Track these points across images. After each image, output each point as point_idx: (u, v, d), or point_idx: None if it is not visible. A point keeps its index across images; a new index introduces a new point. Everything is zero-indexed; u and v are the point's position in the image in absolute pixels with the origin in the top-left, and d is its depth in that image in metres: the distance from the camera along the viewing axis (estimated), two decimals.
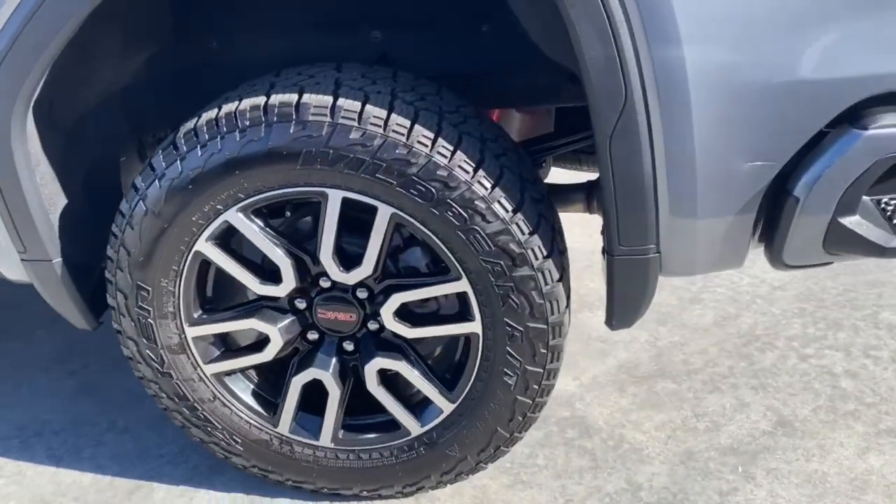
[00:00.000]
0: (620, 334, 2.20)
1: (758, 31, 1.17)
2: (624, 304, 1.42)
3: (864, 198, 1.28)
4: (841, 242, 1.31)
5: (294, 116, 1.26)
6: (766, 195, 1.29)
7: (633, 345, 2.17)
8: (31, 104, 1.32)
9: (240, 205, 1.35)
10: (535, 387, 1.46)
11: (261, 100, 1.29)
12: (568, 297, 1.44)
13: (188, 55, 1.63)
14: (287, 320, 1.49)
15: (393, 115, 1.27)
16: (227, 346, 1.55)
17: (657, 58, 1.15)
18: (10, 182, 1.36)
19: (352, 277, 1.41)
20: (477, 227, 1.30)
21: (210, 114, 1.32)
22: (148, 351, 1.50)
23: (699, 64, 1.16)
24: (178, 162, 1.32)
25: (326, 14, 1.59)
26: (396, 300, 1.42)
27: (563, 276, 1.40)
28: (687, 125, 1.20)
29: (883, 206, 1.30)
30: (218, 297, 1.53)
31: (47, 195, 1.42)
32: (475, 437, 1.52)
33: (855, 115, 1.22)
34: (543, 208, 1.37)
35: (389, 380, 1.53)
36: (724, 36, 1.17)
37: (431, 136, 1.27)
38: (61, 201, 1.46)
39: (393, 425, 1.56)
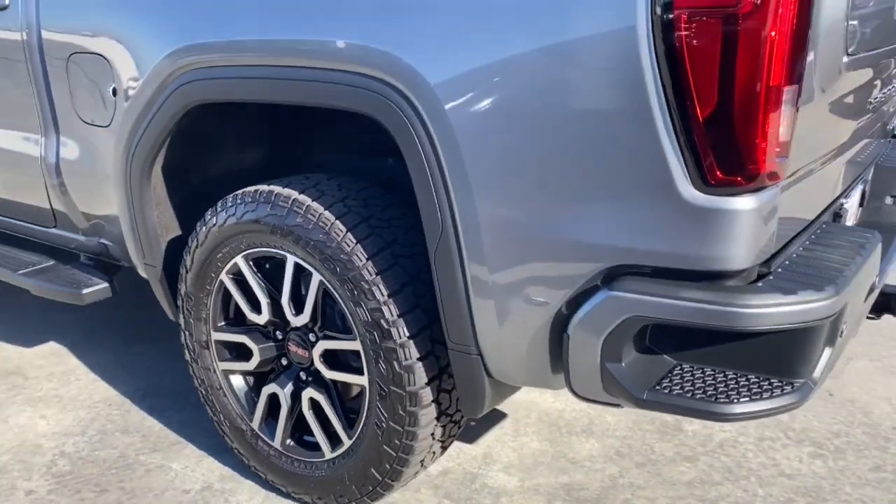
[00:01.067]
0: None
1: (532, 194, 1.51)
2: (463, 393, 1.76)
3: (632, 350, 1.50)
4: (610, 387, 1.52)
5: (271, 200, 1.90)
6: (553, 328, 1.56)
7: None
8: (159, 167, 2.14)
9: (243, 253, 2.01)
10: (397, 442, 1.84)
11: (263, 187, 1.95)
12: (434, 376, 1.81)
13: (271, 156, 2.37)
14: (266, 344, 2.09)
15: (325, 211, 1.83)
16: (236, 353, 2.19)
17: (459, 206, 1.56)
18: (141, 216, 2.19)
19: (298, 321, 1.97)
20: (362, 302, 1.78)
21: (241, 191, 2.02)
22: (188, 341, 2.21)
23: (487, 215, 1.54)
24: (218, 216, 2.03)
25: (360, 144, 2.22)
26: (321, 346, 1.94)
27: (426, 357, 1.78)
28: (482, 259, 1.57)
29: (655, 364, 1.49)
30: (236, 315, 2.18)
31: (163, 225, 2.23)
32: (358, 472, 1.94)
33: (611, 276, 1.46)
34: (423, 302, 1.79)
35: (321, 409, 2.03)
36: (506, 195, 1.53)
37: (344, 229, 1.80)
38: (173, 230, 2.26)
39: (317, 446, 2.04)
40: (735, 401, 1.46)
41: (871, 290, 1.82)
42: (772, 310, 1.39)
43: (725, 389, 1.49)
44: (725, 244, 1.37)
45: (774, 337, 1.48)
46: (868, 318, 2.22)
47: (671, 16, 1.29)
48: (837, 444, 2.51)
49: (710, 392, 1.48)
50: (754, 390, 1.48)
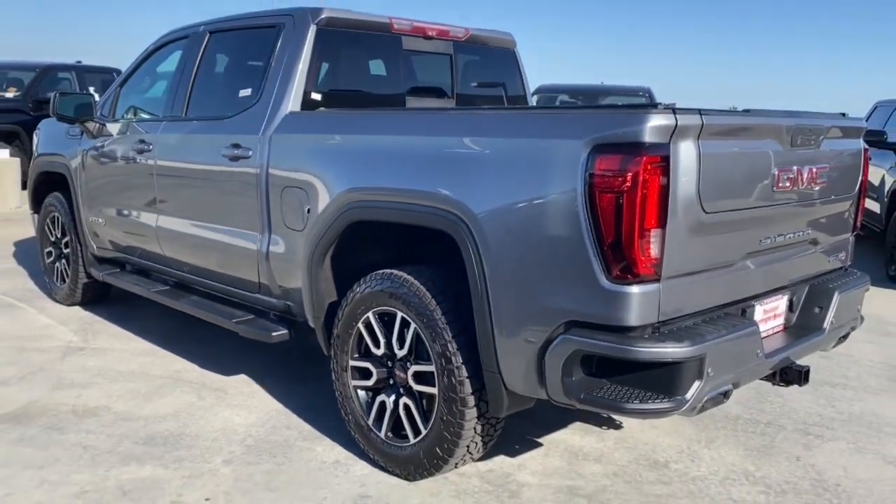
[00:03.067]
0: None
1: (526, 280, 2.72)
2: (491, 398, 2.93)
3: (580, 372, 2.63)
4: (566, 393, 2.64)
5: (390, 278, 3.20)
6: (538, 357, 2.71)
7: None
8: (329, 257, 3.52)
9: (372, 310, 3.32)
10: (452, 429, 3.03)
11: (386, 270, 3.26)
12: (476, 389, 2.98)
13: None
14: (381, 368, 3.35)
15: (420, 286, 3.10)
16: (362, 374, 3.46)
17: (490, 286, 2.79)
18: (316, 287, 3.57)
19: (401, 353, 3.23)
20: (437, 340, 3.02)
21: (374, 272, 3.33)
22: (335, 367, 3.52)
23: (503, 291, 2.76)
24: (361, 287, 3.35)
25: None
26: (413, 369, 3.19)
27: (471, 376, 2.97)
28: (500, 316, 2.78)
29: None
30: (365, 350, 3.46)
31: (328, 293, 3.59)
32: (429, 451, 3.13)
33: (568, 327, 2.62)
34: (471, 341, 2.98)
35: (410, 411, 3.25)
36: (513, 280, 2.74)
37: (430, 296, 3.06)
38: (332, 296, 3.62)
39: (406, 435, 3.25)
40: (632, 402, 2.55)
41: (760, 357, 2.85)
42: (648, 349, 2.50)
43: (629, 397, 2.59)
44: (623, 311, 2.52)
45: (660, 368, 2.57)
46: (778, 385, 3.19)
47: (589, 185, 2.51)
48: (783, 488, 3.39)
49: (619, 398, 2.59)
50: (645, 399, 2.57)
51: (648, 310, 2.55)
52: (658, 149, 2.47)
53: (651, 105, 2.52)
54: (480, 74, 4.79)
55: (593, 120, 2.61)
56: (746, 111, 2.83)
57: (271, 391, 4.31)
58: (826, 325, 3.31)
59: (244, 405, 4.11)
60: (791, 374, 3.17)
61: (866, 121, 10.40)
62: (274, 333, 3.90)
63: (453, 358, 2.98)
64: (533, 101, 10.96)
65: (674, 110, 2.48)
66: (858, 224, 3.68)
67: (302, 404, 4.11)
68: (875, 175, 8.96)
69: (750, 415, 4.18)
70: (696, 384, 2.60)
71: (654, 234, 2.51)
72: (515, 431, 3.72)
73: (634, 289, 2.52)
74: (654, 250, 2.51)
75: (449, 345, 2.99)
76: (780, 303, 3.26)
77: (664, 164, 2.48)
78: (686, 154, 2.53)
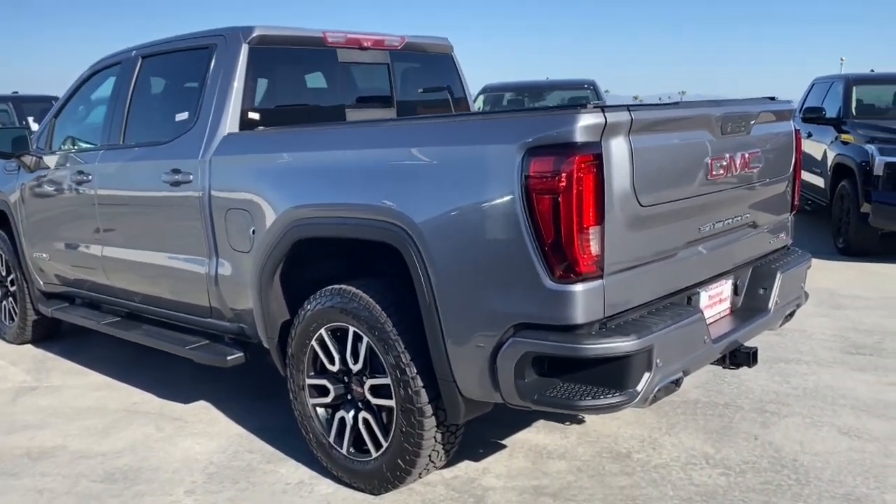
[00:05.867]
0: None
1: (474, 286, 2.73)
2: (447, 406, 2.94)
3: (533, 373, 2.65)
4: (520, 396, 2.66)
5: (341, 293, 3.19)
6: (490, 362, 2.72)
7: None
8: (278, 276, 3.49)
9: (325, 327, 3.30)
10: (412, 440, 3.02)
11: (336, 286, 3.25)
12: (433, 398, 2.98)
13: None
14: (338, 385, 3.33)
15: (370, 299, 3.09)
16: (320, 392, 3.44)
17: (437, 293, 2.80)
18: (267, 308, 3.55)
19: (356, 368, 3.22)
20: (390, 352, 3.01)
21: (323, 289, 3.32)
22: (292, 386, 3.49)
23: (451, 297, 2.77)
24: (312, 304, 3.33)
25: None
26: (369, 383, 3.18)
27: (427, 385, 2.97)
28: (450, 323, 2.78)
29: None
30: (321, 367, 3.44)
31: (279, 313, 3.56)
32: (391, 463, 3.12)
33: (517, 329, 2.63)
34: (424, 350, 2.98)
35: (370, 425, 3.24)
36: (461, 285, 2.76)
37: (380, 309, 3.06)
38: (285, 315, 3.59)
39: (368, 450, 3.24)
40: (585, 399, 2.58)
41: (707, 343, 2.90)
42: (596, 346, 2.53)
43: (582, 394, 2.61)
44: (569, 310, 2.55)
45: (610, 363, 2.60)
46: (729, 368, 3.26)
47: (526, 187, 2.53)
48: (743, 468, 3.46)
49: (571, 395, 2.61)
50: (598, 394, 2.60)
51: (593, 307, 2.58)
52: (590, 147, 2.50)
53: (580, 105, 2.54)
54: (419, 81, 4.80)
55: (526, 123, 2.63)
56: (675, 104, 2.88)
57: (233, 415, 4.26)
58: (771, 305, 3.39)
59: (205, 432, 4.06)
60: (740, 357, 3.24)
61: (805, 98, 10.71)
62: (229, 357, 3.85)
63: (407, 369, 2.98)
64: (480, 100, 11.04)
65: (602, 108, 2.51)
66: (796, 203, 3.77)
67: (264, 425, 4.07)
68: (817, 150, 9.21)
69: (708, 398, 4.25)
70: (646, 376, 2.64)
71: (593, 232, 2.53)
72: (479, 435, 3.73)
73: (578, 287, 2.54)
74: (594, 248, 2.54)
75: (402, 356, 2.99)
76: (725, 287, 3.32)
77: (597, 161, 2.51)
78: (618, 150, 2.56)
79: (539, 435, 3.82)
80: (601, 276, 2.59)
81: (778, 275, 3.42)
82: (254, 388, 4.64)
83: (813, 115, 9.20)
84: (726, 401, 4.21)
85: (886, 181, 7.52)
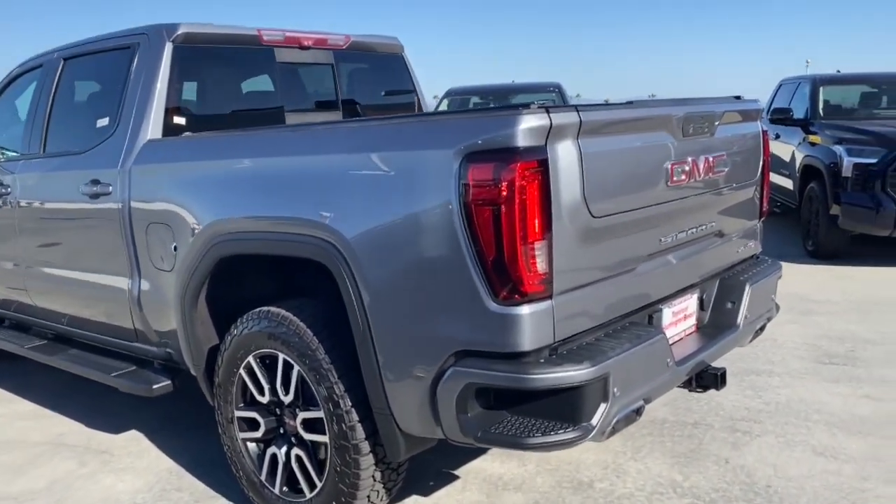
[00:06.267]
0: None
1: (408, 309, 2.43)
2: (386, 443, 2.63)
3: (477, 406, 2.36)
4: (463, 432, 2.36)
5: (268, 317, 2.88)
6: (430, 394, 2.43)
7: None
8: (203, 297, 3.16)
9: (253, 353, 2.98)
10: (348, 481, 2.71)
11: (264, 308, 2.93)
12: (370, 433, 2.68)
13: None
14: (269, 418, 3.02)
15: (300, 322, 2.78)
16: (251, 425, 3.12)
17: (370, 316, 2.50)
18: (192, 331, 3.21)
19: (287, 399, 2.90)
20: (322, 383, 2.70)
21: (251, 311, 3.00)
22: (220, 419, 3.16)
23: (385, 321, 2.47)
24: (238, 328, 3.01)
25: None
26: (301, 416, 2.86)
27: (363, 419, 2.66)
28: (385, 350, 2.49)
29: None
30: (251, 398, 3.12)
31: (206, 337, 3.24)
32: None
33: (459, 357, 2.34)
34: (360, 381, 2.68)
35: (304, 463, 2.92)
36: (395, 308, 2.46)
37: (311, 334, 2.75)
38: (213, 340, 3.27)
39: (302, 490, 2.93)
40: (534, 436, 2.29)
41: (671, 366, 2.63)
42: (544, 376, 2.25)
43: (532, 430, 2.32)
44: (514, 335, 2.26)
45: (562, 395, 2.32)
46: (695, 391, 3.00)
47: (464, 198, 2.24)
48: (713, 497, 3.20)
49: (518, 432, 2.32)
50: (548, 430, 2.31)
51: (542, 331, 2.30)
52: (533, 152, 2.22)
53: (523, 105, 2.26)
54: (367, 82, 4.50)
55: (464, 126, 2.34)
56: (629, 103, 2.61)
57: (164, 447, 3.91)
58: (740, 320, 3.13)
59: (131, 468, 3.70)
60: (707, 379, 2.98)
61: (772, 99, 10.58)
62: (155, 386, 3.51)
63: (341, 401, 2.67)
64: (444, 104, 10.76)
65: (547, 109, 2.23)
66: (765, 209, 3.53)
67: (198, 459, 3.73)
68: (785, 152, 9.05)
69: (677, 416, 4.00)
70: (603, 407, 2.36)
71: (540, 247, 2.25)
72: (428, 464, 3.44)
73: (524, 309, 2.26)
74: (541, 265, 2.26)
75: (335, 387, 2.68)
76: (690, 302, 3.06)
77: (542, 168, 2.23)
78: (566, 155, 2.29)
79: (494, 463, 3.52)
80: (550, 297, 2.31)
81: (747, 287, 3.17)
82: (193, 416, 4.28)
83: (780, 117, 9.06)
84: (696, 419, 3.96)
85: (855, 182, 7.36)
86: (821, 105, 8.97)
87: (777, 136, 9.37)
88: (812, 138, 8.36)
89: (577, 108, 2.30)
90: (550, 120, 2.22)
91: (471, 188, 2.25)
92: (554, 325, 2.32)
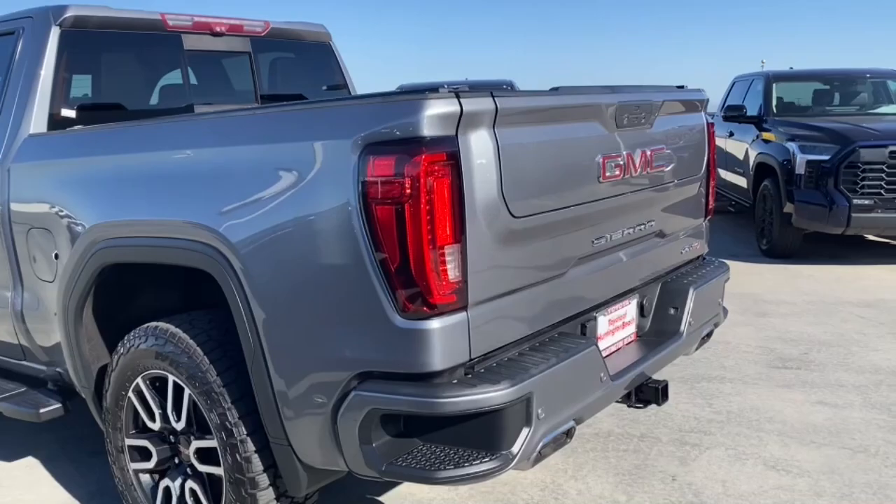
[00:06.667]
0: None
1: (301, 324, 2.12)
2: (285, 476, 2.31)
3: (383, 434, 2.05)
4: (368, 464, 2.06)
5: (156, 334, 2.54)
6: (331, 421, 2.12)
7: None
8: (89, 310, 2.80)
9: (141, 375, 2.63)
10: None
11: (153, 324, 2.59)
12: (269, 465, 2.36)
13: None
14: (162, 446, 2.67)
15: (190, 339, 2.45)
16: (143, 455, 2.77)
17: (262, 334, 2.18)
18: (77, 349, 2.85)
19: (179, 426, 2.56)
20: (214, 409, 2.37)
21: (139, 327, 2.66)
22: (110, 447, 2.81)
23: (278, 340, 2.16)
24: (125, 347, 2.66)
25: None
26: (194, 445, 2.53)
27: (261, 450, 2.34)
28: (280, 372, 2.17)
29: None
30: (142, 424, 2.78)
31: (94, 355, 2.88)
32: None
33: (361, 379, 2.04)
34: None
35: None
36: (287, 325, 2.15)
37: (202, 353, 2.42)
38: (103, 359, 2.91)
39: None
40: (444, 468, 2.00)
41: (605, 381, 2.36)
42: (456, 399, 1.95)
43: (443, 461, 2.03)
44: (422, 353, 1.96)
45: (477, 420, 2.02)
46: (634, 406, 2.73)
47: (364, 196, 1.94)
48: None
49: (429, 464, 2.02)
50: (462, 461, 2.02)
51: (455, 348, 2.01)
52: (441, 143, 1.92)
53: (431, 89, 1.96)
54: (291, 73, 4.17)
55: (364, 113, 2.04)
56: (555, 89, 2.33)
57: (62, 476, 3.53)
58: (683, 327, 2.88)
59: (20, 501, 3.32)
60: (647, 392, 2.72)
61: (726, 96, 10.48)
62: (42, 410, 3.13)
63: (235, 430, 2.35)
64: None
65: (457, 94, 1.94)
66: (711, 207, 3.29)
67: (95, 489, 3.36)
68: (738, 150, 8.93)
69: (623, 428, 3.75)
70: (525, 432, 2.08)
71: (451, 252, 1.96)
72: (349, 489, 3.12)
73: (434, 324, 1.96)
74: (452, 272, 1.97)
75: (228, 414, 2.35)
76: (629, 309, 2.80)
77: (452, 161, 1.94)
78: (480, 147, 2.00)
79: (424, 487, 3.22)
80: (464, 308, 2.01)
81: (691, 291, 2.92)
82: (99, 439, 3.90)
83: (734, 114, 8.94)
84: (642, 431, 3.71)
85: (808, 180, 7.23)
86: (774, 102, 8.86)
87: (731, 134, 9.25)
88: (765, 135, 8.24)
89: (492, 93, 2.02)
90: (461, 106, 1.93)
91: (371, 185, 1.94)
92: (469, 341, 2.03)
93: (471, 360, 2.05)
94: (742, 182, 8.81)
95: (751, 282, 6.71)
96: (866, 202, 6.95)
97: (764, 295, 6.28)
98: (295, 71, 4.18)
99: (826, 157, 7.14)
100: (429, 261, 1.92)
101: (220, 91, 3.84)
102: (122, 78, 3.51)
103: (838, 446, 3.52)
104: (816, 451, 3.48)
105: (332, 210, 2.02)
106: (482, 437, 2.05)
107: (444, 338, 1.97)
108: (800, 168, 7.30)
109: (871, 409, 3.94)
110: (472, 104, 1.95)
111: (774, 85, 9.02)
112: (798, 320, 5.56)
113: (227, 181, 2.25)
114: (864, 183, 6.96)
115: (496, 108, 2.00)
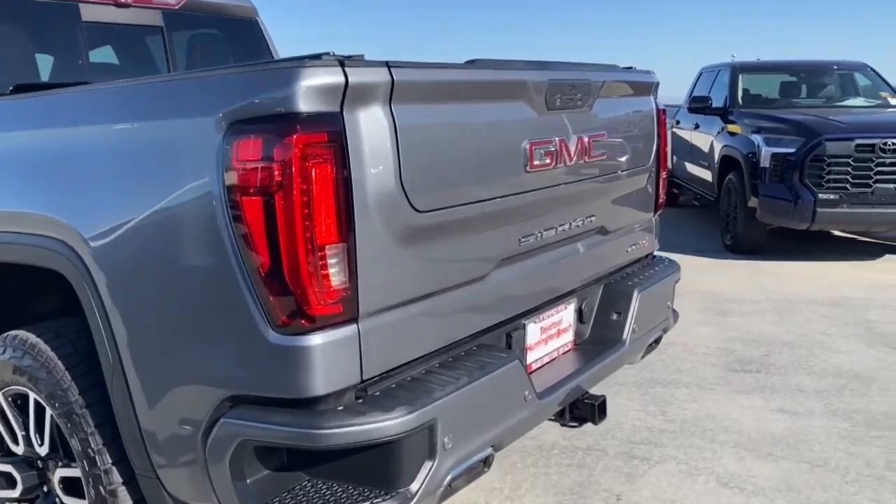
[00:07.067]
0: None
1: (160, 337, 1.79)
2: None
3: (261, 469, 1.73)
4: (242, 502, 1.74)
5: (14, 344, 2.18)
6: (200, 452, 1.79)
7: None
8: None
9: (1, 391, 2.28)
10: None
11: (12, 332, 2.23)
12: (139, 499, 2.03)
13: None
14: (29, 473, 2.32)
15: (51, 352, 2.10)
16: (7, 482, 2.41)
17: (119, 347, 1.84)
18: None
19: (42, 451, 2.22)
20: (75, 433, 2.03)
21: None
22: None
23: (138, 356, 1.82)
24: None
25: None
26: (58, 473, 2.19)
27: (129, 481, 2.01)
28: (142, 392, 1.84)
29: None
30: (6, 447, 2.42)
31: None
32: None
33: (233, 404, 1.71)
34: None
35: None
36: (144, 338, 1.81)
37: (63, 368, 2.07)
38: None
39: None
40: None
41: (530, 399, 2.05)
42: (341, 431, 1.63)
43: (328, 502, 1.71)
44: (301, 375, 1.64)
45: (370, 453, 1.71)
46: (568, 426, 2.44)
47: (229, 186, 1.60)
48: None
49: (311, 503, 1.70)
50: (352, 501, 1.70)
51: (343, 367, 1.68)
52: (322, 122, 1.60)
53: (311, 56, 1.63)
54: (210, 51, 3.79)
55: (231, 85, 1.70)
56: (471, 62, 2.00)
57: None
58: (626, 334, 2.58)
59: None
60: (583, 409, 2.42)
61: (693, 87, 10.25)
62: None
63: (98, 458, 2.00)
64: None
65: (342, 62, 1.61)
66: (661, 200, 3.00)
67: None
68: (704, 142, 8.70)
69: (567, 439, 3.45)
70: (428, 466, 1.76)
71: (334, 253, 1.63)
72: None
73: (314, 340, 1.64)
74: (336, 277, 1.64)
75: (91, 439, 2.01)
76: (565, 314, 2.49)
77: (334, 143, 1.61)
78: (372, 127, 1.67)
79: None
80: (354, 320, 1.69)
81: (635, 294, 2.62)
82: None
83: (699, 105, 8.71)
84: (589, 443, 3.43)
85: (773, 174, 7.01)
86: (740, 93, 8.64)
87: (696, 126, 9.03)
88: (731, 128, 8.01)
89: (388, 63, 1.69)
90: (346, 77, 1.60)
91: (238, 172, 1.61)
92: (361, 359, 1.71)
93: (363, 381, 1.72)
94: (707, 175, 8.58)
95: (713, 279, 6.48)
96: (832, 197, 6.75)
97: (726, 293, 6.04)
98: (215, 49, 3.81)
99: (791, 150, 6.92)
100: (305, 264, 1.59)
101: (125, 70, 3.46)
102: (6, 50, 3.12)
103: (797, 459, 3.27)
104: (773, 464, 3.22)
105: (196, 202, 1.69)
106: (376, 472, 1.73)
107: (327, 356, 1.65)
108: (764, 161, 7.08)
109: (832, 416, 3.70)
110: (360, 75, 1.63)
111: (741, 76, 8.80)
112: (760, 319, 5.33)
113: (82, 166, 1.90)
114: (829, 177, 6.76)
115: (392, 80, 1.68)
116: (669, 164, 10.34)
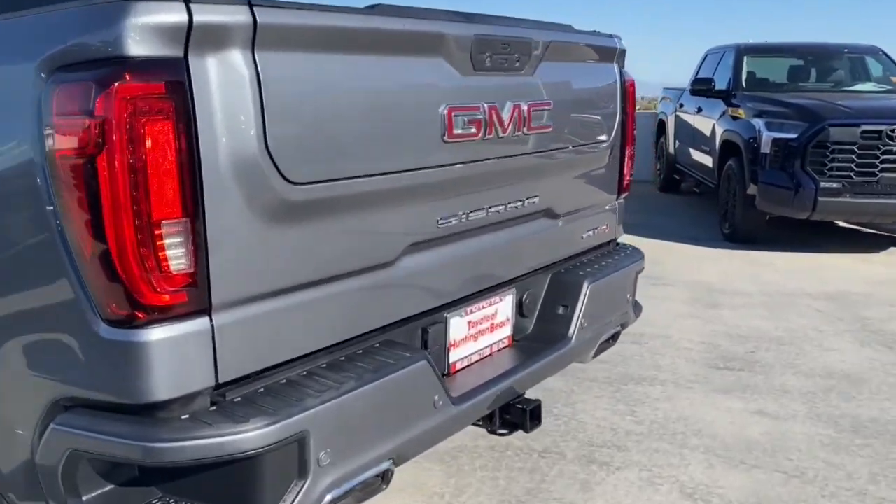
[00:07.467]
0: None
1: None
2: None
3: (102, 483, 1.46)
4: None
5: None
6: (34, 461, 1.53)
7: None
8: None
9: None
10: None
11: None
12: None
13: None
14: None
15: None
16: None
17: None
18: None
19: None
20: None
21: None
22: None
23: None
24: None
25: None
26: None
27: None
28: None
29: None
30: None
31: None
32: None
33: (66, 408, 1.44)
34: None
35: None
36: None
37: None
38: None
39: None
40: None
41: (441, 404, 1.77)
42: (184, 444, 1.35)
43: None
44: (136, 376, 1.36)
45: (232, 469, 1.43)
46: (497, 433, 2.16)
47: (50, 147, 1.32)
48: None
49: None
50: None
51: (191, 368, 1.40)
52: (158, 68, 1.30)
53: None
54: None
55: (54, 24, 1.40)
56: (372, 7, 1.70)
57: None
58: (573, 330, 2.29)
59: None
60: (514, 414, 2.13)
61: (697, 70, 9.85)
62: None
63: None
64: None
65: None
66: (627, 181, 2.69)
67: None
68: (706, 126, 8.35)
69: (524, 440, 3.17)
70: (297, 486, 1.48)
71: (175, 230, 1.35)
72: None
73: (152, 334, 1.36)
74: (179, 260, 1.36)
75: None
76: (501, 307, 2.20)
77: (175, 95, 1.32)
78: (228, 78, 1.38)
79: None
80: (206, 311, 1.41)
81: (585, 286, 2.32)
82: None
83: (701, 88, 8.34)
84: (546, 445, 3.15)
85: (774, 160, 6.65)
86: (744, 76, 8.26)
87: (699, 110, 8.66)
88: (733, 111, 7.65)
89: (250, 1, 1.39)
90: (190, 14, 1.31)
91: (58, 129, 1.32)
92: (216, 358, 1.43)
93: (219, 385, 1.44)
94: (708, 161, 8.23)
95: (707, 269, 6.17)
96: (835, 185, 6.39)
97: (718, 284, 5.73)
98: None
99: (793, 136, 6.56)
100: (132, 242, 1.31)
101: None
102: None
103: (771, 469, 2.98)
104: (745, 474, 2.94)
105: (15, 167, 1.40)
106: (235, 493, 1.46)
107: (169, 354, 1.37)
108: (765, 147, 6.72)
109: (816, 421, 3.40)
110: (210, 14, 1.33)
111: (745, 58, 8.42)
112: (750, 313, 5.02)
113: None
114: (833, 164, 6.40)
115: (255, 21, 1.38)
116: (671, 150, 10.00)
